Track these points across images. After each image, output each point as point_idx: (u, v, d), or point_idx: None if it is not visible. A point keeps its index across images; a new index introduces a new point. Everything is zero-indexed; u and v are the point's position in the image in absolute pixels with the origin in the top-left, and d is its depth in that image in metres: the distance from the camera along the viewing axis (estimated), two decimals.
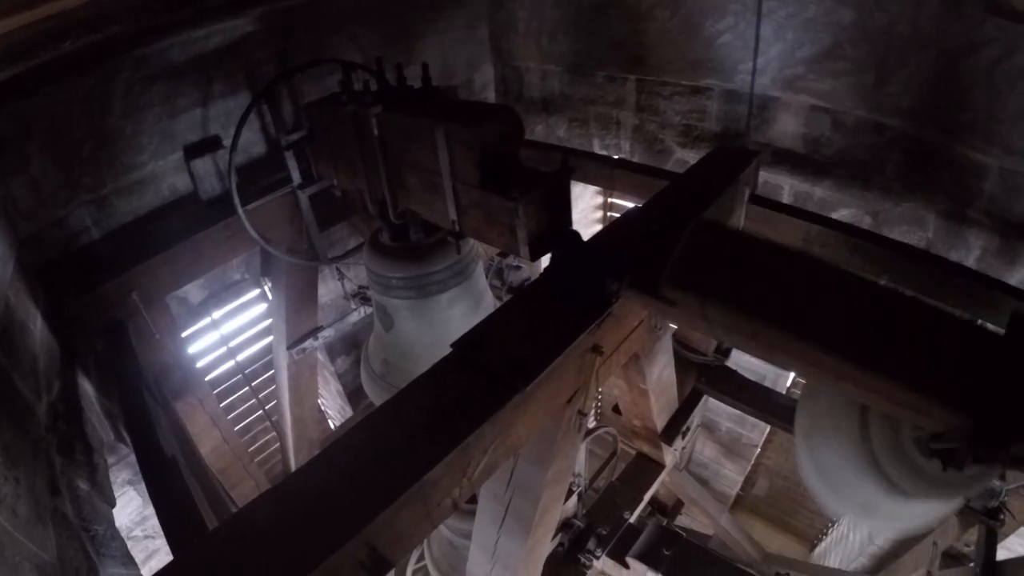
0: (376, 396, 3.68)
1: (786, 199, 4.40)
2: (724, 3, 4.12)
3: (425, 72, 3.06)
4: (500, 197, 2.48)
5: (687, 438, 4.05)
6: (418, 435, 1.83)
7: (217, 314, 4.71)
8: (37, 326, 2.77)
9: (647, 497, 4.06)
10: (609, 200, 6.39)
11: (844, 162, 4.09)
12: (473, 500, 2.66)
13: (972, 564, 3.09)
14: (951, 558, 3.37)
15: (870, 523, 2.28)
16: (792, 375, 5.76)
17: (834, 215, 4.14)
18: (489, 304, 3.58)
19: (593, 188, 6.14)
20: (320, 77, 4.16)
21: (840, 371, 1.74)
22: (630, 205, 4.39)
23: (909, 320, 1.76)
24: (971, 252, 3.69)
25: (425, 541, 4.56)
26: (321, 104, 3.38)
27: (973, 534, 3.09)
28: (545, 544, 3.11)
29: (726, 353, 4.02)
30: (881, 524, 2.22)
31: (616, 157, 5.06)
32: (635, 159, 5.15)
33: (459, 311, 3.36)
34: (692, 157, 4.78)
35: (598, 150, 5.42)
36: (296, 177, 3.69)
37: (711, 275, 2.04)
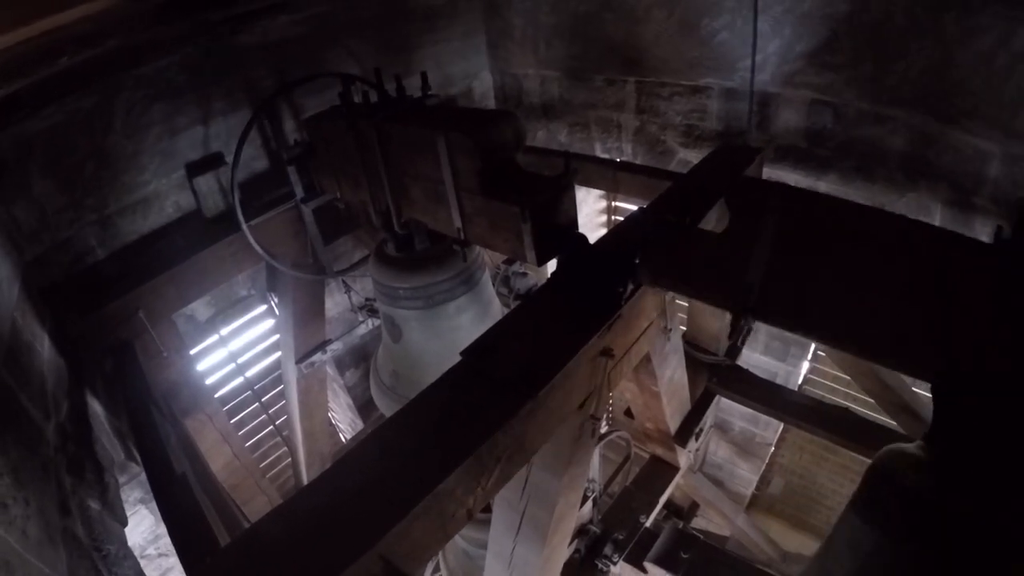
0: (387, 408, 3.66)
1: None
2: (720, 0, 4.11)
3: (424, 81, 3.06)
4: (504, 203, 2.47)
5: (700, 439, 4.02)
6: (430, 445, 1.81)
7: (225, 331, 4.70)
8: (44, 347, 2.77)
9: (662, 500, 4.03)
10: (613, 204, 6.37)
11: (847, 155, 4.06)
12: (487, 509, 2.63)
13: None
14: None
15: None
16: (804, 371, 5.72)
17: None
18: (497, 312, 3.56)
19: (596, 192, 6.12)
20: (319, 91, 4.17)
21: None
22: (634, 208, 4.37)
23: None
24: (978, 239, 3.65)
25: (440, 552, 4.52)
26: (321, 117, 3.38)
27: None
28: (562, 551, 3.08)
29: (738, 351, 3.99)
30: None
31: (619, 160, 5.05)
32: (637, 161, 5.14)
33: (467, 319, 3.35)
34: (695, 157, 4.76)
35: (600, 154, 5.41)
36: (299, 191, 3.69)
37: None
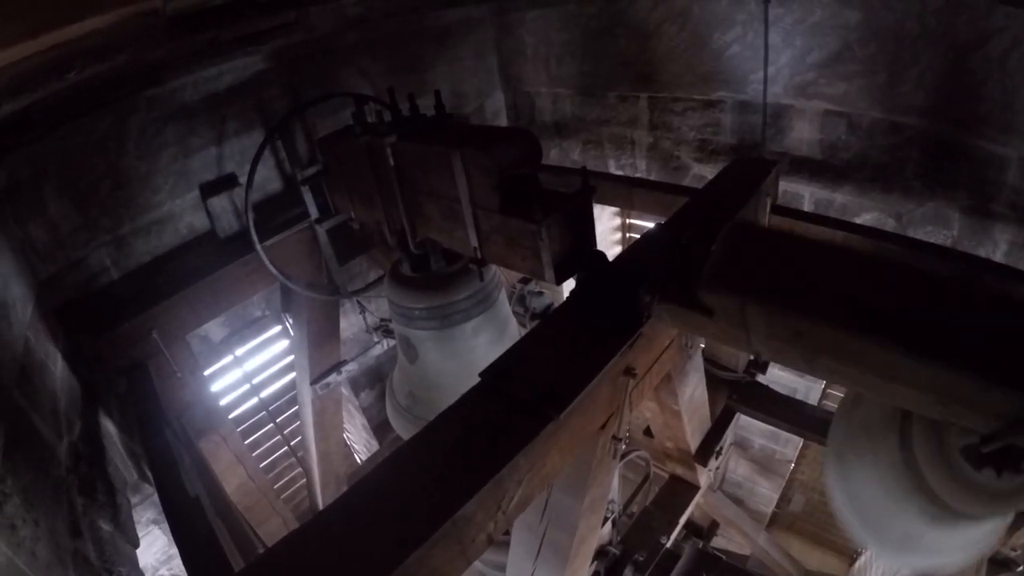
0: (403, 429, 3.62)
1: (807, 207, 4.34)
2: (730, 14, 4.10)
3: (438, 100, 3.05)
4: (522, 220, 2.44)
5: (721, 458, 3.95)
6: (449, 469, 1.77)
7: (239, 351, 4.69)
8: (57, 367, 2.76)
9: (682, 520, 3.95)
10: (628, 221, 6.33)
11: (863, 165, 4.02)
12: (506, 532, 2.58)
13: (1021, 569, 2.96)
14: (998, 564, 3.24)
15: (908, 560, 2.13)
16: (823, 386, 5.63)
17: (857, 220, 4.07)
18: (514, 332, 3.53)
19: (611, 209, 6.09)
20: (333, 111, 4.19)
21: (890, 364, 1.64)
22: (649, 225, 4.35)
23: (960, 303, 1.67)
24: (998, 247, 3.59)
25: None
26: (334, 137, 3.38)
27: (1021, 537, 2.96)
28: (582, 574, 3.01)
29: (759, 369, 3.93)
30: (920, 561, 2.08)
31: (633, 176, 5.03)
32: (652, 177, 5.11)
33: (484, 340, 3.32)
34: (709, 172, 4.73)
35: (614, 171, 5.39)
36: (313, 211, 3.68)
37: (750, 274, 1.95)
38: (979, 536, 1.92)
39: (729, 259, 2.02)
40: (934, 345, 1.56)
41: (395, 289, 3.29)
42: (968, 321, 1.59)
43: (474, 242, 2.76)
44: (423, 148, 2.77)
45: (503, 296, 3.45)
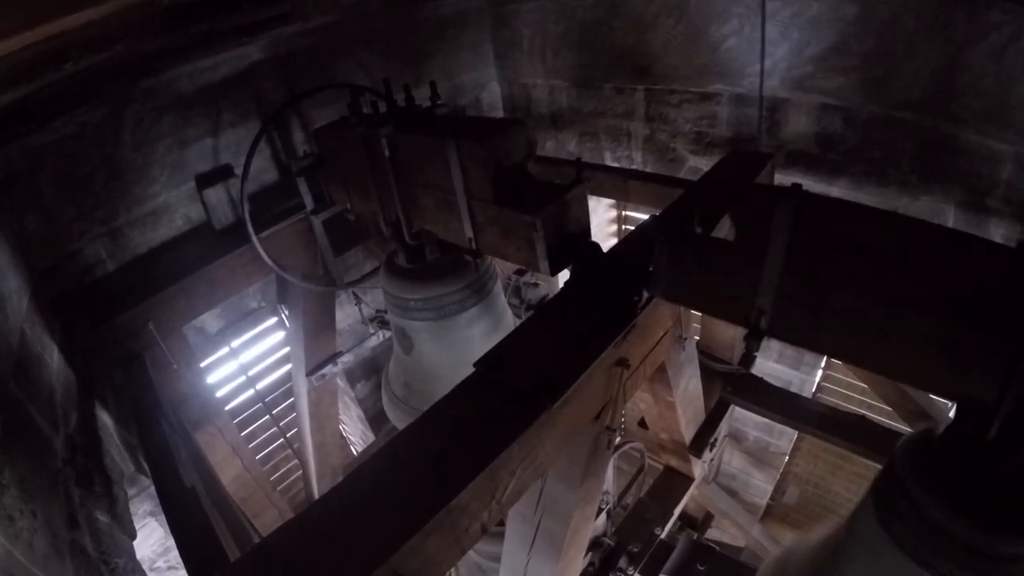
0: (399, 420, 3.63)
1: None
2: (727, 7, 4.09)
3: (433, 91, 3.04)
4: (517, 211, 2.44)
5: (715, 449, 3.96)
6: (443, 459, 1.78)
7: (235, 343, 4.69)
8: (53, 359, 2.76)
9: (677, 511, 3.98)
10: (623, 213, 6.34)
11: (859, 159, 4.02)
12: (501, 522, 2.59)
13: None
14: None
15: None
16: (818, 379, 5.65)
17: None
18: (509, 323, 3.53)
19: (607, 201, 6.10)
20: (328, 102, 4.17)
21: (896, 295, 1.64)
22: (645, 217, 4.35)
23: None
24: None
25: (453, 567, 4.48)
26: (330, 128, 3.38)
27: None
28: (576, 565, 3.03)
29: (755, 346, 3.94)
30: None
31: (629, 168, 5.03)
32: (647, 169, 5.11)
33: (479, 330, 3.32)
34: (705, 164, 4.73)
35: (610, 163, 5.39)
36: (308, 202, 3.68)
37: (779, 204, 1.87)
38: None
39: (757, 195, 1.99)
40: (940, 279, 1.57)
41: (390, 280, 3.29)
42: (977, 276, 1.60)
43: (469, 233, 2.77)
44: (419, 139, 2.77)
45: (499, 287, 3.45)
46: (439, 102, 3.13)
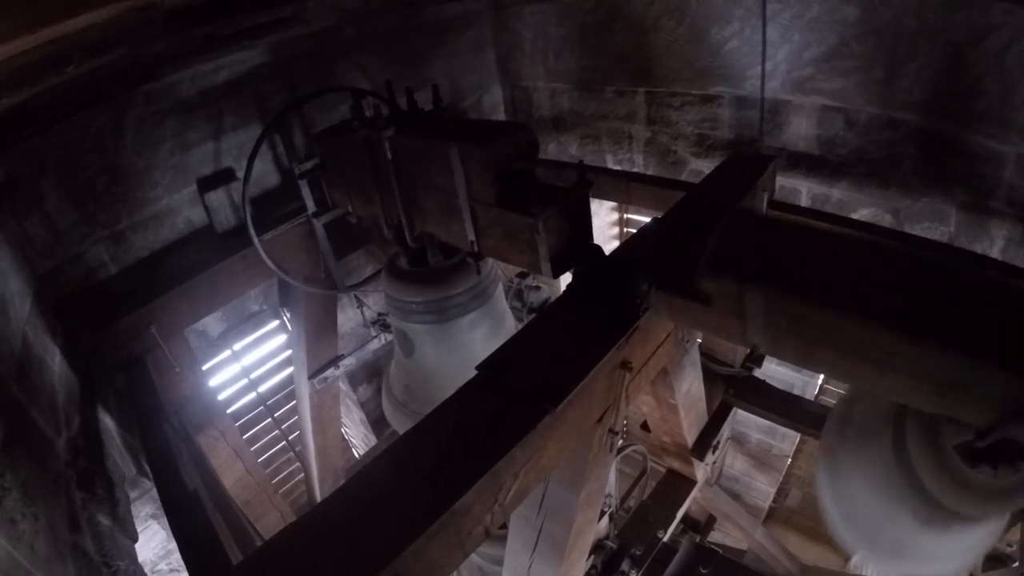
0: (399, 424, 3.62)
1: (804, 203, 4.34)
2: (728, 9, 4.09)
3: (435, 94, 3.05)
4: (519, 214, 2.44)
5: (718, 452, 3.96)
6: (446, 462, 1.77)
7: (237, 346, 4.69)
8: (56, 362, 2.76)
9: (679, 514, 3.96)
10: (625, 216, 6.34)
11: (860, 161, 4.02)
12: (503, 525, 2.59)
13: (1016, 565, 2.97)
14: (994, 559, 3.26)
15: (901, 567, 2.09)
16: (820, 381, 5.64)
17: (854, 216, 4.07)
18: (510, 327, 3.53)
19: (608, 204, 6.10)
20: (330, 106, 4.18)
21: (888, 350, 1.62)
22: (646, 220, 4.36)
23: (959, 289, 1.65)
24: (995, 243, 3.59)
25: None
26: (331, 132, 3.38)
27: (1016, 533, 2.97)
28: (579, 568, 3.02)
29: (755, 363, 3.94)
30: (913, 567, 2.04)
31: (630, 171, 5.02)
32: (649, 172, 5.11)
33: (480, 334, 3.32)
34: (707, 167, 4.73)
35: (611, 165, 5.39)
36: (310, 205, 3.68)
37: (750, 260, 1.93)
38: (975, 540, 1.89)
39: (728, 245, 2.01)
40: (932, 329, 1.55)
41: (392, 283, 3.29)
42: (967, 306, 1.58)
43: (471, 236, 2.76)
44: (421, 142, 2.77)
45: (500, 291, 3.45)
46: (441, 105, 3.13)
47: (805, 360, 1.93)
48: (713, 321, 2.07)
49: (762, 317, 1.90)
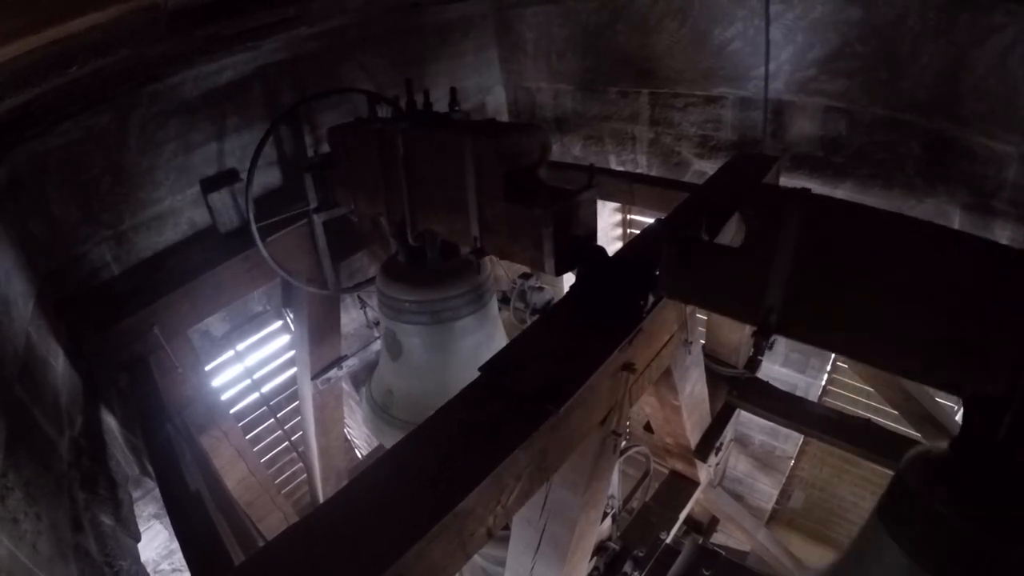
0: (376, 429, 3.59)
1: None
2: (731, 10, 4.09)
3: (452, 96, 3.10)
4: (526, 208, 2.44)
5: (721, 454, 3.95)
6: (449, 463, 1.77)
7: (240, 346, 4.70)
8: (59, 362, 2.77)
9: (682, 516, 3.96)
10: (628, 217, 6.33)
11: (864, 162, 4.01)
12: (506, 527, 2.58)
13: None
14: None
15: None
16: (823, 383, 5.63)
17: None
18: (502, 338, 3.49)
19: (611, 205, 6.09)
20: (335, 106, 4.19)
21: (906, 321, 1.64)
22: (650, 221, 4.35)
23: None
24: None
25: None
26: (345, 127, 3.38)
27: None
28: (581, 570, 3.02)
29: (761, 353, 3.93)
30: None
31: (634, 172, 5.02)
32: (652, 173, 5.11)
33: (472, 341, 3.31)
34: (710, 168, 4.72)
35: (615, 166, 5.39)
36: (312, 199, 3.68)
37: (790, 208, 1.88)
38: None
39: (770, 194, 2.03)
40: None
41: (386, 280, 3.28)
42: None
43: (475, 231, 2.76)
44: (435, 135, 2.79)
45: (495, 301, 3.43)
46: (456, 108, 3.15)
47: (818, 332, 1.93)
48: (735, 273, 2.04)
49: (789, 266, 1.87)
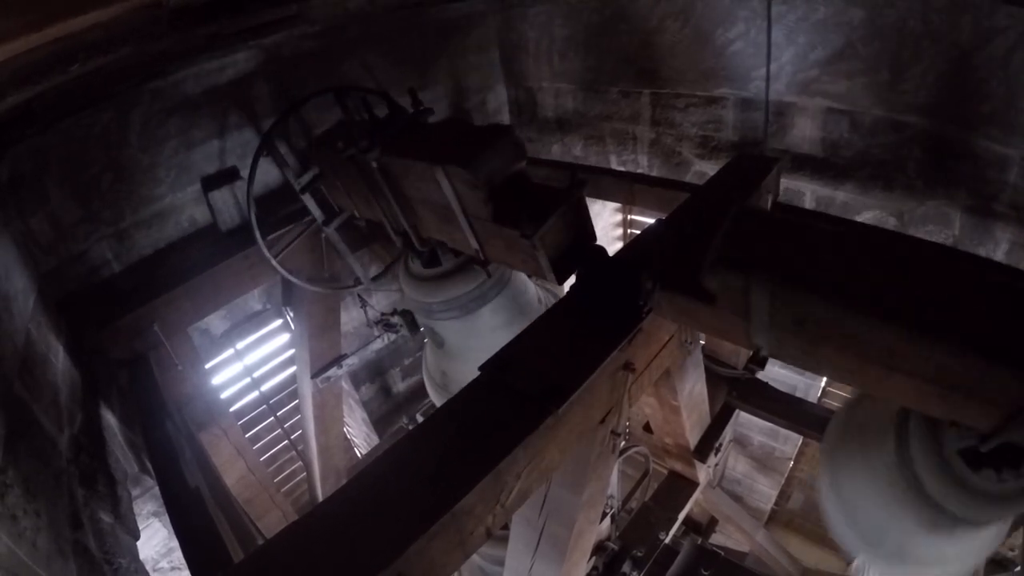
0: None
1: (808, 205, 4.33)
2: (734, 10, 4.08)
3: (414, 98, 3.02)
4: (513, 231, 2.40)
5: (720, 454, 3.95)
6: (449, 461, 1.77)
7: (240, 345, 4.70)
8: (59, 359, 2.76)
9: (681, 516, 3.96)
10: (629, 217, 6.33)
11: (865, 163, 4.01)
12: (505, 526, 2.58)
13: (1018, 569, 2.96)
14: (996, 563, 3.24)
15: (901, 571, 2.07)
16: (823, 384, 5.63)
17: (858, 218, 4.06)
18: (533, 301, 3.52)
19: (612, 205, 6.09)
20: (333, 104, 4.17)
21: (893, 349, 1.60)
22: (650, 221, 4.35)
23: (965, 287, 1.62)
24: (999, 246, 3.58)
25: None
26: (324, 140, 3.37)
27: (1019, 538, 2.96)
28: (580, 569, 3.02)
29: (758, 364, 3.93)
30: (913, 572, 2.04)
31: (634, 172, 5.02)
32: (653, 173, 5.10)
33: (504, 318, 3.34)
34: (711, 168, 4.72)
35: (615, 166, 5.38)
36: (318, 215, 3.66)
37: (755, 257, 1.88)
38: (977, 544, 1.88)
39: (734, 243, 1.96)
40: (938, 327, 1.53)
41: (411, 287, 3.31)
42: (974, 307, 1.56)
43: (474, 244, 2.75)
44: (408, 163, 2.73)
45: (517, 274, 3.43)
46: (422, 108, 3.08)
47: (809, 361, 1.91)
48: (717, 321, 2.05)
49: (767, 316, 1.87)
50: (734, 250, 1.95)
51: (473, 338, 3.34)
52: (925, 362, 1.56)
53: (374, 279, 4.35)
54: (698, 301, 2.02)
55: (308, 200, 3.61)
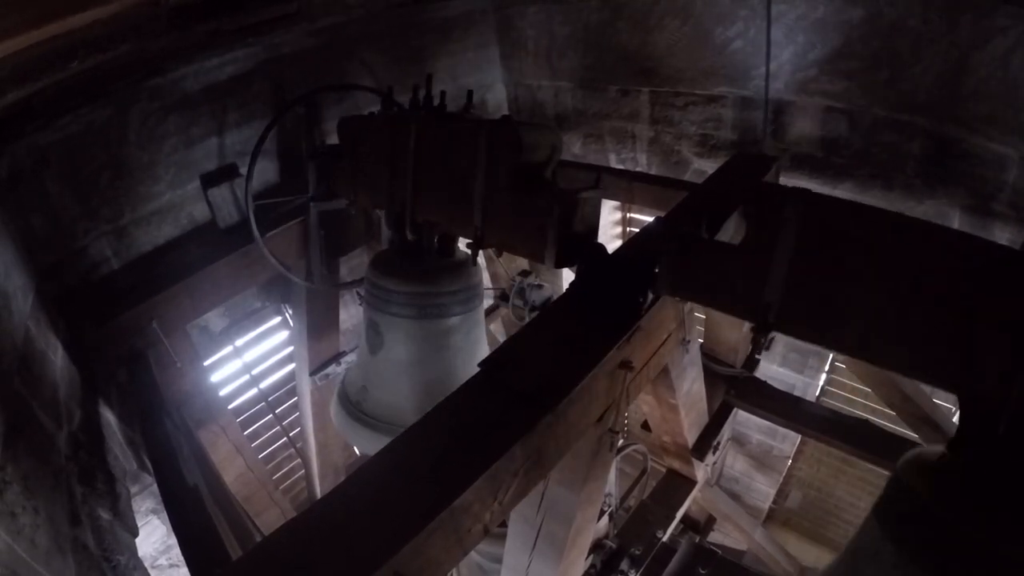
0: (345, 428, 3.49)
1: None
2: (733, 9, 4.09)
3: (469, 99, 3.17)
4: (531, 196, 2.46)
5: (718, 453, 3.96)
6: (446, 459, 1.77)
7: (239, 342, 4.69)
8: (58, 356, 2.77)
9: (679, 514, 3.96)
10: (628, 215, 6.33)
11: (864, 162, 4.02)
12: (503, 524, 2.59)
13: None
14: None
15: None
16: (821, 382, 5.64)
17: None
18: (484, 348, 3.45)
19: (611, 203, 6.08)
20: (336, 102, 4.20)
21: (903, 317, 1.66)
22: (649, 219, 4.34)
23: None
24: None
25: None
26: (357, 118, 3.38)
27: None
28: (578, 567, 3.02)
29: (758, 351, 3.94)
30: None
31: (633, 170, 5.02)
32: (652, 172, 5.11)
33: (455, 341, 3.26)
34: (710, 167, 4.72)
35: (614, 165, 5.39)
36: (312, 187, 3.66)
37: (791, 202, 1.92)
38: None
39: (771, 192, 2.07)
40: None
41: (377, 269, 3.26)
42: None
43: (478, 221, 2.74)
44: (451, 124, 2.81)
45: (483, 307, 3.40)
46: (472, 108, 3.18)
47: (816, 329, 1.95)
48: (735, 270, 2.07)
49: (788, 263, 1.90)
50: (771, 196, 2.01)
51: (415, 349, 3.23)
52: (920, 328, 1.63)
53: (357, 282, 4.35)
54: (718, 251, 2.06)
55: (311, 171, 3.59)
